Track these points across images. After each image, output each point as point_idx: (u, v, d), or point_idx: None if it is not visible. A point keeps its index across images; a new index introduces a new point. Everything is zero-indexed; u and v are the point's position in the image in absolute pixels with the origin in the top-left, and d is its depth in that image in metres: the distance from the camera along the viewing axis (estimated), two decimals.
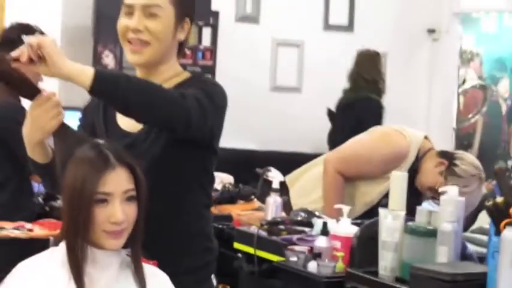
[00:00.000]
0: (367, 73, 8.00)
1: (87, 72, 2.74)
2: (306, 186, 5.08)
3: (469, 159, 5.28)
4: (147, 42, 3.10)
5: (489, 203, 3.51)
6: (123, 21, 3.11)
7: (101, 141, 2.72)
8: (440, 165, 4.98)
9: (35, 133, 2.83)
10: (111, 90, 2.86)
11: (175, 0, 3.17)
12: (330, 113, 8.00)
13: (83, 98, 3.49)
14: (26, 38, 2.70)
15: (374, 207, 5.01)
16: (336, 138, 6.72)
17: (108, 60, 6.85)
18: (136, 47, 3.11)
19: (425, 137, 5.52)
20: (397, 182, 4.13)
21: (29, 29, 5.13)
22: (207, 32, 7.66)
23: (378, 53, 7.97)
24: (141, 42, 3.12)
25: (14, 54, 2.69)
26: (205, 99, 3.09)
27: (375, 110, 7.83)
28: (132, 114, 2.92)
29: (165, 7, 3.14)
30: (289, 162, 6.28)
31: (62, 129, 2.83)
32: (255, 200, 5.41)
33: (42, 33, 4.92)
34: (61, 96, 3.17)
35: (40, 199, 4.98)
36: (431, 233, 3.82)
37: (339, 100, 7.69)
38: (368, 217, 4.64)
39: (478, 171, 5.01)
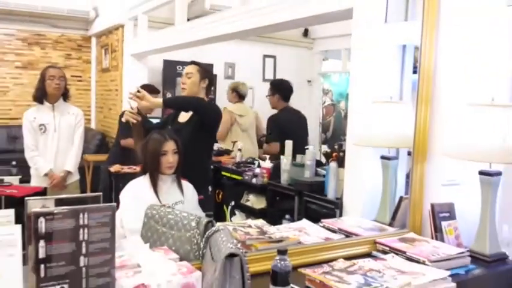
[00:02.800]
0: None
1: (160, 101, 3.13)
2: None
3: None
4: (186, 88, 3.27)
5: (329, 151, 3.54)
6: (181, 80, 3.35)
7: (162, 130, 2.79)
8: None
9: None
10: (171, 105, 3.29)
11: (199, 71, 3.29)
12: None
13: None
14: (139, 91, 3.04)
15: None
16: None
17: (169, 95, 6.66)
18: (182, 88, 3.30)
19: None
20: (288, 145, 4.14)
21: (149, 86, 4.76)
22: None
23: None
24: (184, 87, 3.27)
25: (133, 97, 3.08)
26: (207, 103, 3.35)
27: None
28: (180, 108, 3.30)
29: (194, 74, 3.28)
30: None
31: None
32: (231, 154, 5.50)
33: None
34: None
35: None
36: (302, 165, 3.76)
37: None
38: None
39: None
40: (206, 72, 3.37)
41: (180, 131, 3.12)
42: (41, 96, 3.74)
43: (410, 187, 2.26)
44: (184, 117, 3.30)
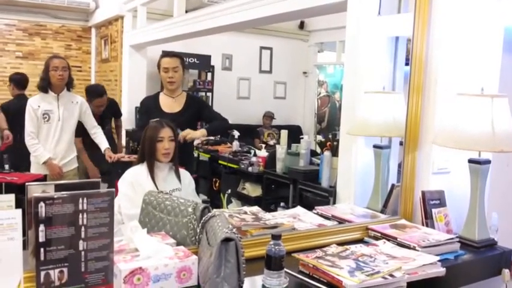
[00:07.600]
0: None
1: (205, 132, 3.20)
2: None
3: None
4: (175, 82, 3.22)
5: (323, 140, 3.54)
6: (164, 75, 3.24)
7: (159, 119, 2.74)
8: None
9: None
10: (212, 133, 3.36)
11: (181, 64, 3.28)
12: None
13: None
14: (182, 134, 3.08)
15: None
16: None
17: None
18: (170, 83, 3.23)
19: None
20: (283, 134, 4.14)
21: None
22: (209, 74, 7.49)
23: None
24: (172, 81, 3.22)
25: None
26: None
27: None
28: (217, 134, 3.35)
29: (180, 68, 3.26)
30: (244, 128, 6.34)
31: None
32: (228, 143, 5.51)
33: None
34: None
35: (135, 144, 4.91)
36: (297, 154, 3.82)
37: None
38: None
39: None
40: (184, 63, 3.39)
41: (175, 121, 3.11)
42: (45, 85, 3.71)
43: (401, 175, 2.25)
44: (172, 107, 3.26)
